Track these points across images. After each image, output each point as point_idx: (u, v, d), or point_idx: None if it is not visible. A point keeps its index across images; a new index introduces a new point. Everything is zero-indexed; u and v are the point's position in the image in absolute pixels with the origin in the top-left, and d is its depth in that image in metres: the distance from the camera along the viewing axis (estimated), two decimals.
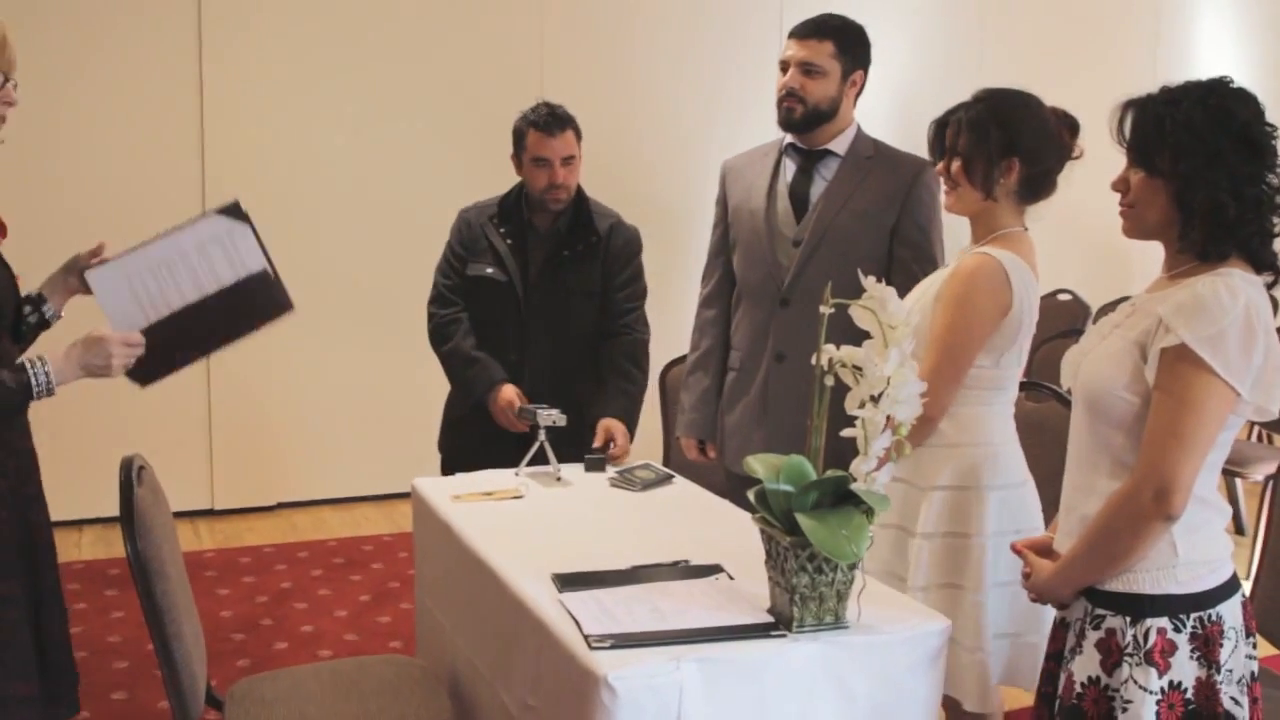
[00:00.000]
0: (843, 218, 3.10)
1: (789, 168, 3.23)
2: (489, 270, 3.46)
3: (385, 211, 5.97)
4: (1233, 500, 5.24)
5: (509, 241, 3.45)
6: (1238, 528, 5.31)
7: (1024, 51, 7.08)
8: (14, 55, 2.33)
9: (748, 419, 3.21)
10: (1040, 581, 2.14)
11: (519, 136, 3.43)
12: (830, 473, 2.08)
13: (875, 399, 2.06)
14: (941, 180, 2.70)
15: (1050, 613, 2.26)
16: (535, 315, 3.45)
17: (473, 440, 3.47)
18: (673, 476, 3.13)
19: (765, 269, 3.17)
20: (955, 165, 2.63)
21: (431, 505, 2.89)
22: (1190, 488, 1.95)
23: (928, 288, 2.72)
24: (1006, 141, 2.56)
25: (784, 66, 3.16)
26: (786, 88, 3.14)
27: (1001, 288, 2.54)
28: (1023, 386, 2.85)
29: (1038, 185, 2.61)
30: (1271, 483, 2.94)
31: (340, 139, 5.88)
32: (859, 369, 2.07)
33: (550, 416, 3.07)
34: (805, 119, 3.13)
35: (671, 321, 4.66)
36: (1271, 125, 1.97)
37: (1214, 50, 7.71)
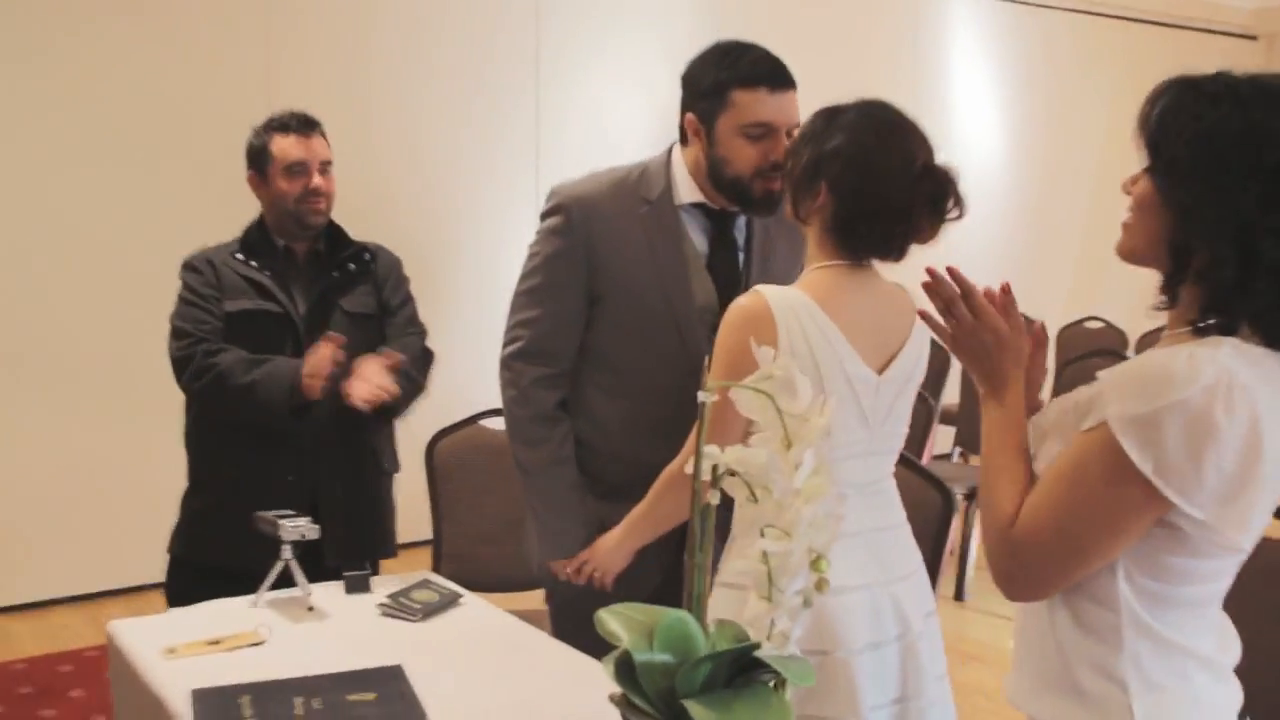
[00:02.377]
0: None
1: (696, 229, 2.40)
2: (257, 304, 2.89)
3: (72, 262, 5.02)
4: None
5: (267, 273, 2.93)
6: None
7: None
8: None
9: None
10: None
11: (260, 150, 2.93)
12: (720, 632, 1.46)
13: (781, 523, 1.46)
14: None
15: (933, 672, 1.95)
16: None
17: (218, 538, 2.81)
18: (460, 595, 2.45)
19: (683, 365, 2.34)
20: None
21: (134, 664, 2.11)
22: (1054, 585, 1.49)
23: None
24: (817, 159, 2.01)
25: (766, 131, 2.25)
26: (779, 161, 2.20)
27: (757, 330, 1.92)
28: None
29: (851, 229, 2.01)
30: None
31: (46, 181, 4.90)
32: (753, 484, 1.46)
33: (297, 529, 2.33)
34: (781, 198, 2.23)
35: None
36: None
37: (965, 60, 7.63)
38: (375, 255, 3.05)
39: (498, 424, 3.51)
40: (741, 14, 6.26)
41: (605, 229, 2.36)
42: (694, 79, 2.33)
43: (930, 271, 1.59)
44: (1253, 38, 9.65)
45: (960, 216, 1.99)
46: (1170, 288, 1.49)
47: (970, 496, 5.01)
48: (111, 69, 5.07)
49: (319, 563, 2.64)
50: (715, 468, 1.48)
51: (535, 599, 4.23)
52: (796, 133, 2.11)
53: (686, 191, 2.37)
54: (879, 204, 1.96)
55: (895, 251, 2.02)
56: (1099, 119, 8.43)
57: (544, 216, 2.44)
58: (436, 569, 3.36)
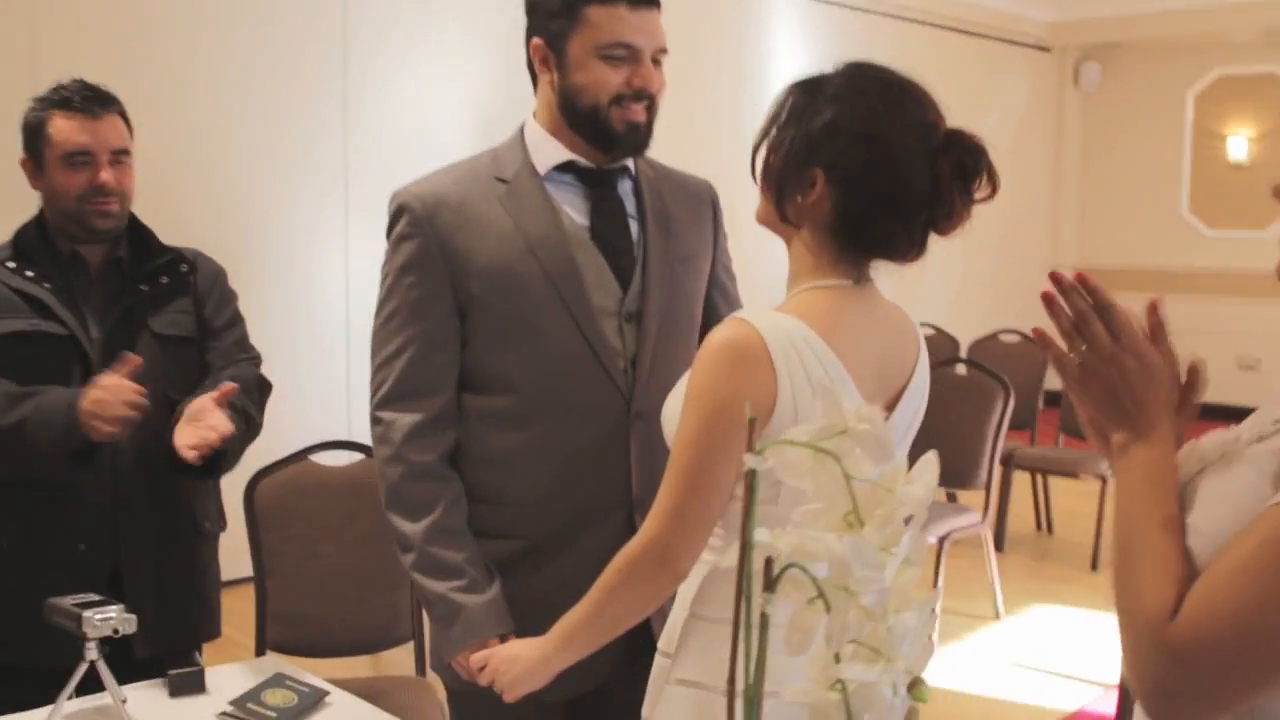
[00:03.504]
0: (676, 269, 1.96)
1: (571, 201, 1.94)
2: (34, 324, 2.27)
3: None
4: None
5: (47, 285, 2.32)
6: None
7: None
8: None
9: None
10: None
11: (35, 130, 2.35)
12: None
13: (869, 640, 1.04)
14: None
15: None
16: None
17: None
18: (325, 694, 1.94)
19: (592, 369, 1.87)
20: (758, 161, 1.64)
21: None
22: (1228, 705, 1.11)
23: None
24: (817, 141, 1.57)
25: (628, 53, 1.86)
26: (643, 87, 1.86)
27: (751, 371, 1.54)
28: None
29: (861, 230, 1.60)
30: None
31: None
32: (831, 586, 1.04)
33: (107, 621, 1.78)
34: (650, 134, 1.91)
35: None
36: None
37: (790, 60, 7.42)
38: (194, 265, 2.48)
39: (331, 458, 2.98)
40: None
41: (456, 219, 1.88)
42: None
43: (1056, 278, 1.18)
44: (1047, 49, 9.84)
45: (993, 195, 1.56)
46: None
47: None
48: None
49: (126, 655, 2.08)
50: (770, 563, 1.06)
51: (391, 663, 3.71)
52: (767, 115, 1.64)
53: (548, 154, 1.91)
54: (896, 187, 1.54)
55: (916, 248, 1.60)
56: None
57: (388, 229, 1.94)
58: (260, 634, 2.81)
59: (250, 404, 2.38)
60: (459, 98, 5.67)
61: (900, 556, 1.04)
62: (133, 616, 1.81)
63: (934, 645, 1.09)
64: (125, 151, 2.38)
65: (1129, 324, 1.18)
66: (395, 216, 1.92)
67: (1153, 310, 1.20)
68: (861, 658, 1.04)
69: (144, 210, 2.50)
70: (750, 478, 1.04)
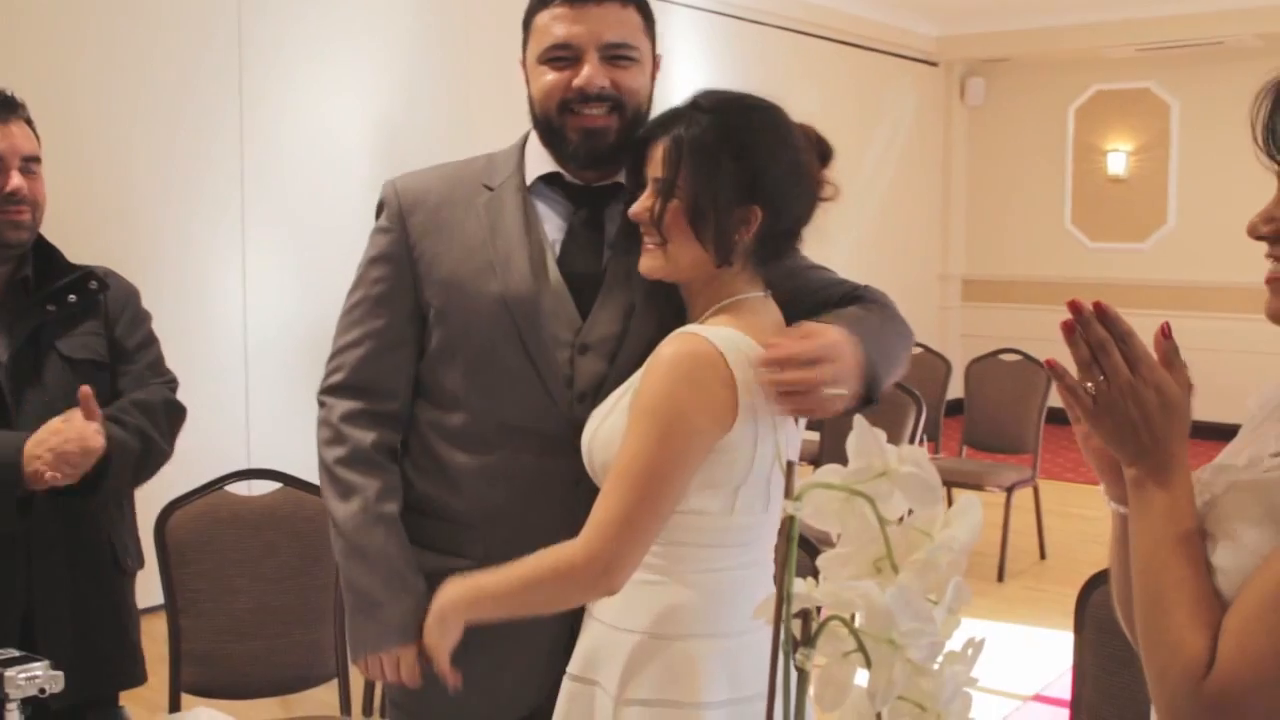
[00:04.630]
0: (639, 302, 1.81)
1: (552, 218, 1.83)
2: None
3: None
4: None
5: None
6: None
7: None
8: None
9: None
10: None
11: None
12: None
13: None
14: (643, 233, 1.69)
15: None
16: (25, 408, 2.16)
17: None
18: None
19: (537, 400, 1.78)
20: (672, 209, 1.64)
21: None
22: None
23: (628, 388, 1.70)
24: (749, 182, 1.64)
25: (568, 54, 1.75)
26: (592, 88, 1.74)
27: (711, 383, 1.60)
28: None
29: (780, 246, 1.74)
30: None
31: None
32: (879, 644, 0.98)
33: (32, 680, 1.63)
34: (621, 143, 1.76)
35: None
36: None
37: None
38: (104, 283, 2.33)
39: (248, 488, 2.84)
40: (462, 12, 5.70)
41: (428, 221, 1.82)
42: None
43: (1075, 306, 1.13)
44: (934, 64, 10.02)
45: (835, 194, 1.78)
46: None
47: None
48: None
49: (40, 708, 1.92)
50: (809, 616, 1.00)
51: (310, 703, 3.54)
52: (656, 166, 1.66)
53: (538, 164, 1.83)
54: (811, 199, 1.71)
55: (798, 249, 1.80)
56: None
57: (375, 216, 1.90)
58: (174, 675, 2.67)
59: (149, 424, 2.22)
60: (359, 107, 5.51)
61: (945, 605, 0.99)
62: (59, 674, 1.67)
63: (971, 699, 1.03)
64: (35, 159, 2.23)
65: (1147, 354, 1.14)
66: (378, 209, 1.89)
67: (1164, 335, 1.17)
68: (906, 714, 0.98)
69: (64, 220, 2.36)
70: (789, 524, 0.98)
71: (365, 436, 1.82)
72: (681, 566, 1.66)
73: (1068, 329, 1.14)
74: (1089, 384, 1.16)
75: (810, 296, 1.82)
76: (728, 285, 1.69)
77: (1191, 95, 9.23)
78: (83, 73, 4.72)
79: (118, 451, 2.11)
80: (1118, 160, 9.71)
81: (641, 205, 1.67)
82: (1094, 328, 1.13)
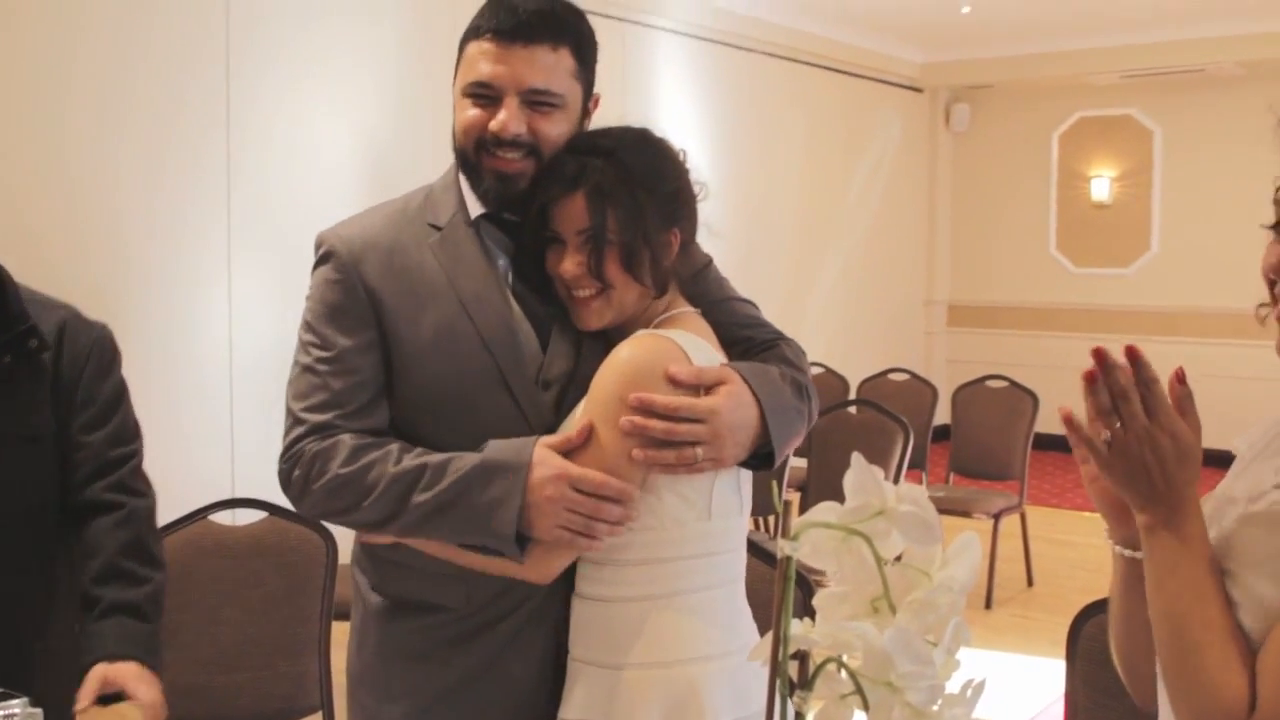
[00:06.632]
0: (585, 335, 1.78)
1: (498, 253, 1.79)
2: None
3: None
4: None
5: None
6: None
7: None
8: None
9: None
10: None
11: None
12: None
13: None
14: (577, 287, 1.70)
15: None
16: None
17: None
18: None
19: (516, 436, 1.70)
20: (610, 255, 1.67)
21: None
22: None
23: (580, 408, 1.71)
24: (666, 209, 1.74)
25: (489, 94, 1.71)
26: (507, 134, 1.69)
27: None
28: None
29: (689, 258, 1.83)
30: None
31: None
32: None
33: (10, 716, 1.60)
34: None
35: None
36: None
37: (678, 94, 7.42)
38: (64, 332, 1.97)
39: (233, 517, 2.82)
40: (448, 36, 5.67)
41: (383, 268, 1.72)
42: None
43: (1099, 355, 1.12)
44: (919, 90, 10.06)
45: None
46: None
47: None
48: None
49: None
50: (805, 657, 0.99)
51: None
52: (580, 220, 1.68)
53: (476, 200, 1.78)
54: (696, 205, 1.82)
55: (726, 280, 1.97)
56: (796, 160, 8.48)
57: (313, 271, 1.78)
58: None
59: (137, 562, 1.96)
60: (346, 131, 5.49)
61: (944, 647, 0.97)
62: (38, 711, 1.63)
63: None
64: None
65: (1165, 401, 1.13)
66: (321, 260, 1.76)
67: (1179, 381, 1.16)
68: None
69: (3, 251, 2.15)
70: (785, 565, 0.97)
71: (348, 430, 1.70)
72: (668, 588, 1.66)
73: (1090, 379, 1.13)
74: (1105, 433, 1.15)
75: (731, 331, 1.82)
76: (662, 305, 1.76)
77: (1174, 122, 9.28)
78: (69, 96, 4.70)
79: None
80: (1101, 186, 9.75)
81: (573, 262, 1.67)
82: (1117, 375, 1.12)
